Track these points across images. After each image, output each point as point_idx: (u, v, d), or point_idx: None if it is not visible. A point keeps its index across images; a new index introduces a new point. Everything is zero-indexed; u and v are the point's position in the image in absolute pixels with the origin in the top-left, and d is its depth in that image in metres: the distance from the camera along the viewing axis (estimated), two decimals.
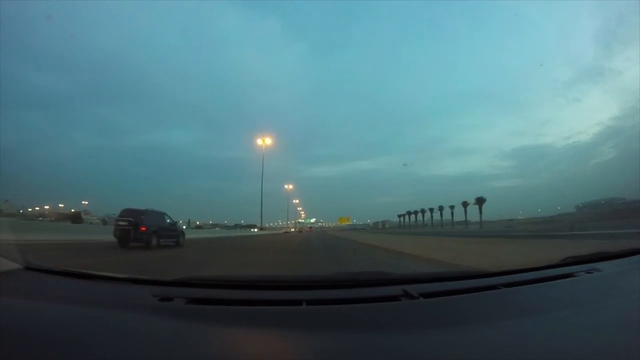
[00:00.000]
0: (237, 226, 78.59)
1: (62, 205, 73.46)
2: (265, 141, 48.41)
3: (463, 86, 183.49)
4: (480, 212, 69.13)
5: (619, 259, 1.49)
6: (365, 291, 1.14)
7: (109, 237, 12.03)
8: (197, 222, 79.80)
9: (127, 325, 0.81)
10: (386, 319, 0.90)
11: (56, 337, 0.72)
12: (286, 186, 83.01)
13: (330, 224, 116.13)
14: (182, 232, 14.30)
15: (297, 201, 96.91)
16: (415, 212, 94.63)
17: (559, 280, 1.23)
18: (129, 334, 0.76)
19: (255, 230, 61.90)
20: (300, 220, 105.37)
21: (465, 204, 77.51)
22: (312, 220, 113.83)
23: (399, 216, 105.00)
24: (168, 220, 13.19)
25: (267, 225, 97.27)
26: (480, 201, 69.16)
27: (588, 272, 1.31)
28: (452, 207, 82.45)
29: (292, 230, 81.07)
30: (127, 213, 11.75)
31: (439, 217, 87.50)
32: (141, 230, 11.30)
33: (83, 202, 74.30)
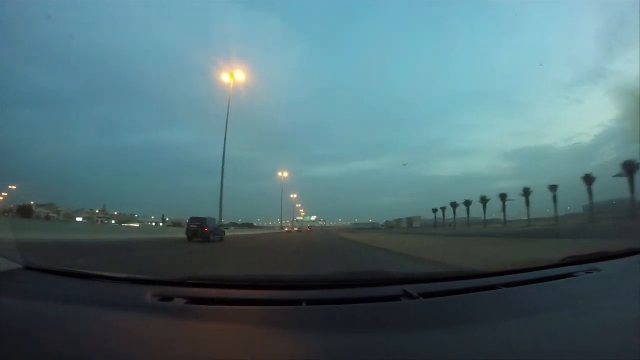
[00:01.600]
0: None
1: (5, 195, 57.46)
2: (233, 76, 26.66)
3: (463, 87, 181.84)
4: (632, 191, 38.55)
5: (619, 259, 1.49)
6: (365, 291, 1.13)
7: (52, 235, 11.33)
8: (167, 219, 72.80)
9: (127, 325, 0.81)
10: (386, 319, 0.89)
11: (56, 337, 0.72)
12: (280, 174, 64.70)
13: (331, 223, 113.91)
14: (224, 232, 20.24)
15: (294, 196, 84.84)
16: (468, 204, 63.88)
17: (559, 280, 1.23)
18: (129, 334, 0.77)
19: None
20: (299, 219, 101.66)
21: (503, 197, 56.47)
22: (313, 218, 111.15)
23: (434, 210, 75.32)
24: (217, 223, 19.60)
25: (265, 224, 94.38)
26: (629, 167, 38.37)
27: (588, 272, 1.30)
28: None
29: (287, 230, 69.03)
30: (195, 220, 17.65)
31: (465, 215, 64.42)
32: (205, 231, 16.96)
33: (10, 187, 57.66)
